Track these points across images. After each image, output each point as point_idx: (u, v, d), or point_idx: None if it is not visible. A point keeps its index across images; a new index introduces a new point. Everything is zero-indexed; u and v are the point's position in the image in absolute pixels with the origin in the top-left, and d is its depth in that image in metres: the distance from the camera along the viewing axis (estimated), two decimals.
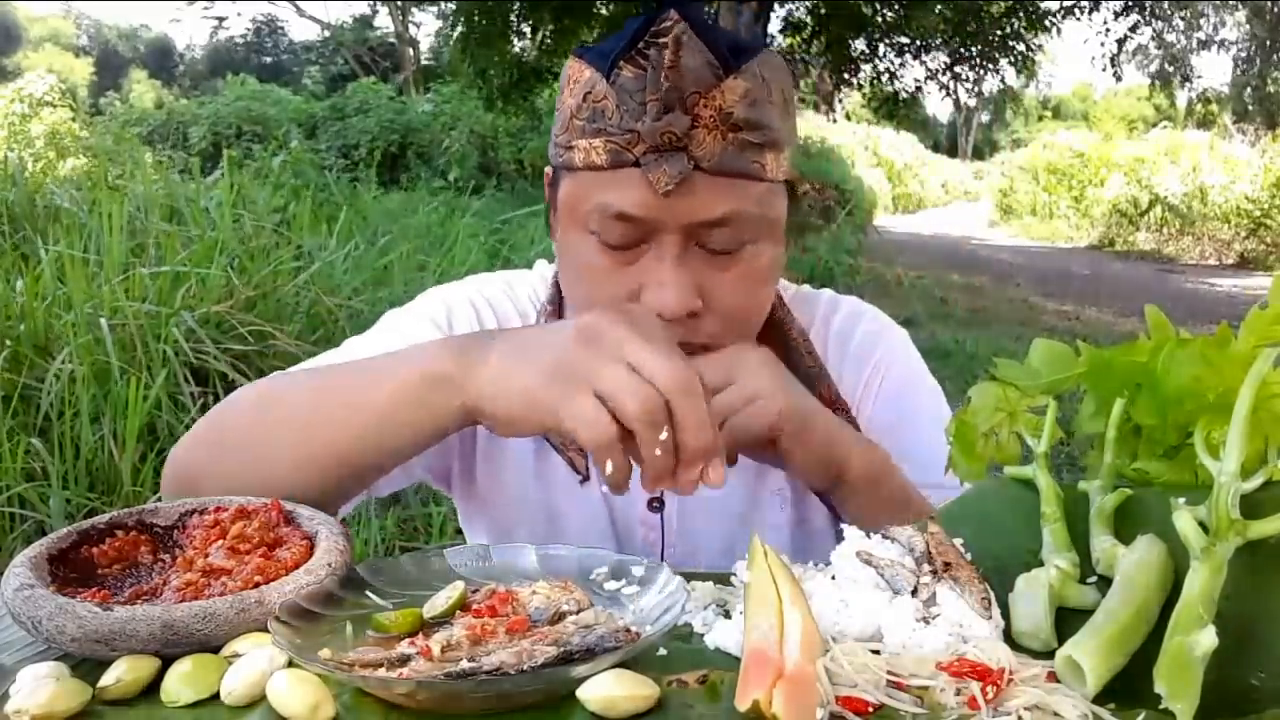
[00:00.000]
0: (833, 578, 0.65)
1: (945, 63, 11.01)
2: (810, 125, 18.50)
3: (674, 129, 0.84)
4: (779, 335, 1.01)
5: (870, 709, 0.53)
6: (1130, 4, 10.83)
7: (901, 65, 11.25)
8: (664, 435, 0.66)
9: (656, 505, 0.99)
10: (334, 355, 0.99)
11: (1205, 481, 0.63)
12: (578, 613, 0.64)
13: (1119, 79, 11.45)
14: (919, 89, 11.70)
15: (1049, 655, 0.58)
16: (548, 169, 0.96)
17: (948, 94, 11.59)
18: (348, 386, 0.81)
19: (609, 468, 0.66)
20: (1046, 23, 10.48)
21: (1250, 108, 20.79)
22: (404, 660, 0.57)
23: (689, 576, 0.69)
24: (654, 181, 0.84)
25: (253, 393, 0.89)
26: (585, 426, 0.66)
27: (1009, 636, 0.61)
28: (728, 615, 0.66)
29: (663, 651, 0.61)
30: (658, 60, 0.84)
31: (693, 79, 0.84)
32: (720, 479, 0.68)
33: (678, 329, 0.86)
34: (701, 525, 1.00)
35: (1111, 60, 11.39)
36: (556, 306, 1.04)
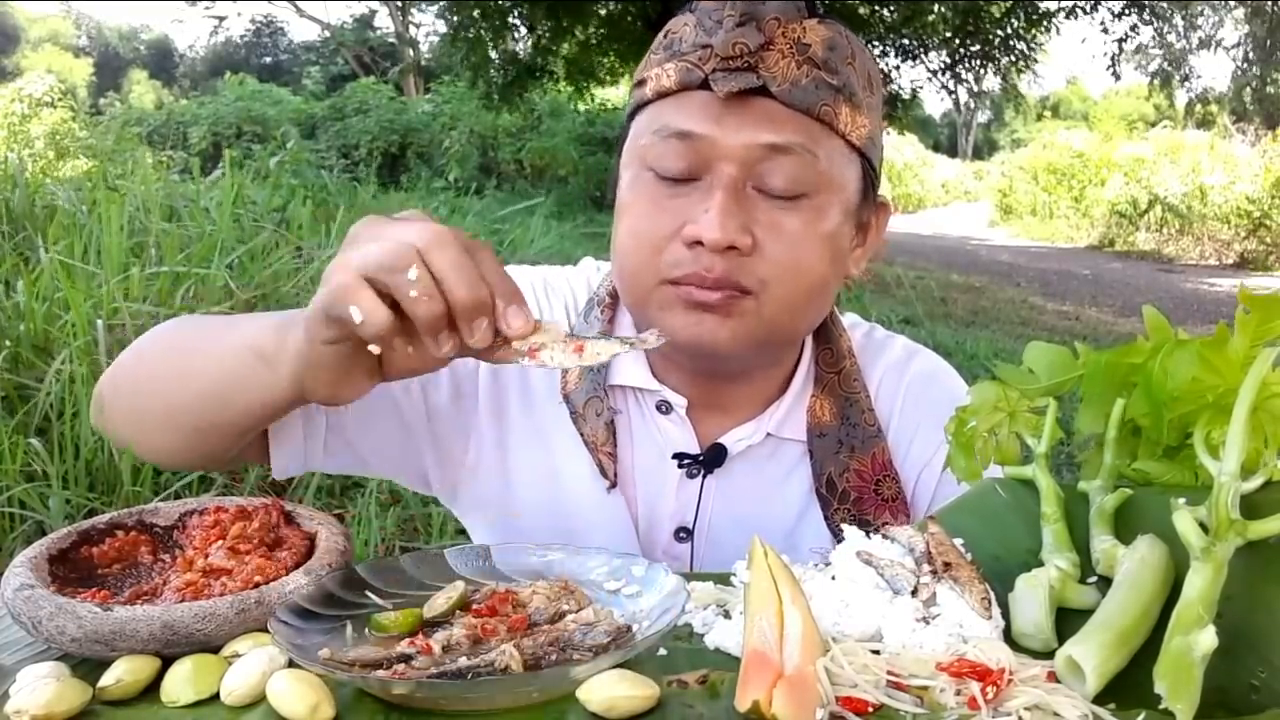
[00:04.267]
0: (833, 578, 0.65)
1: (945, 63, 11.00)
2: None
3: (745, 41, 0.81)
4: (841, 388, 0.97)
5: (870, 709, 0.53)
6: (1130, 4, 10.82)
7: (901, 65, 11.24)
8: (413, 274, 0.61)
9: (684, 535, 0.96)
10: None
11: (1205, 481, 0.63)
12: (577, 612, 0.64)
13: (1118, 78, 11.46)
14: (918, 90, 11.70)
15: (1049, 655, 0.58)
16: (615, 165, 0.93)
17: (948, 94, 11.58)
18: (206, 349, 0.81)
19: (356, 314, 0.62)
20: (1046, 23, 10.47)
21: (1250, 108, 20.79)
22: (404, 660, 0.57)
23: (689, 576, 0.69)
24: (718, 90, 0.81)
25: (167, 332, 0.89)
26: (338, 284, 0.62)
27: (1009, 636, 0.61)
28: (728, 615, 0.66)
29: (663, 651, 0.61)
30: None
31: (775, 7, 0.83)
32: (522, 322, 0.63)
33: (721, 263, 0.82)
34: (730, 558, 0.98)
35: (1112, 60, 11.39)
36: (613, 299, 0.98)
